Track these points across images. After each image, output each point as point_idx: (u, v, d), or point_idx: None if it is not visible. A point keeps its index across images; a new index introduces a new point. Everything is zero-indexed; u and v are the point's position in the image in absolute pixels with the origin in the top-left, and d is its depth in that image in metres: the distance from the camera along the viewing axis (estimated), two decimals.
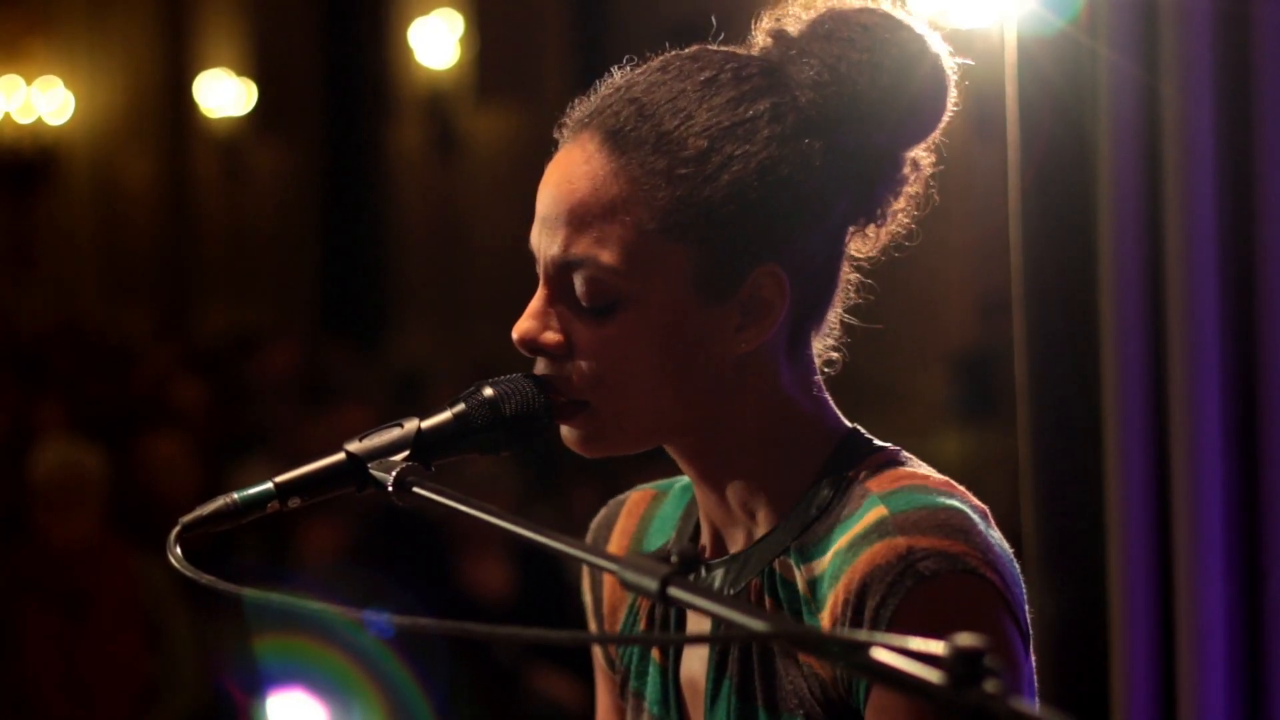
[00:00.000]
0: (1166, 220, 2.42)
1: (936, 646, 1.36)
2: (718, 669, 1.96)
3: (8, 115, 16.07)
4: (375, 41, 13.73)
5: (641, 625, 2.08)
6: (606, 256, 1.88)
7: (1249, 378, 2.42)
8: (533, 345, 1.93)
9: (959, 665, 1.34)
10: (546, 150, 1.97)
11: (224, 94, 15.19)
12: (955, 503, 1.87)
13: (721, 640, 1.99)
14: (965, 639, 1.35)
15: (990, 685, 1.33)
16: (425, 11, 12.96)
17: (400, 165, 13.76)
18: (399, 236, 13.87)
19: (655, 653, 2.05)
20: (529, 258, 1.95)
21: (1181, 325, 2.41)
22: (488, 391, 1.92)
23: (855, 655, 1.43)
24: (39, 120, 16.12)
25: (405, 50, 13.16)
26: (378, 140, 13.88)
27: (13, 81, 15.99)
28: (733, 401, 1.93)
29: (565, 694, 6.59)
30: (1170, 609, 2.44)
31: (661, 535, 2.12)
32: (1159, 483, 2.44)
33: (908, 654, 1.39)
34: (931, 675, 1.36)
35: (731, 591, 1.94)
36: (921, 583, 1.80)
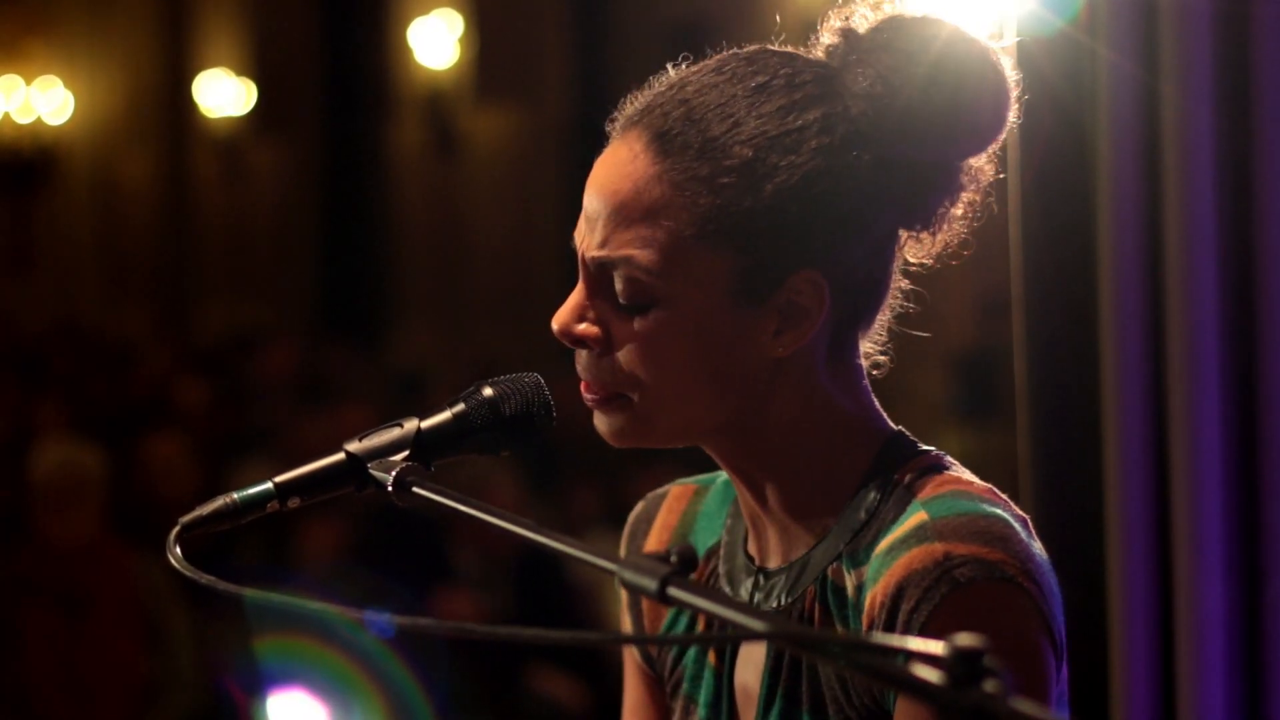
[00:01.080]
0: (1166, 220, 2.42)
1: (936, 647, 1.36)
2: (771, 675, 1.95)
3: (7, 115, 16.06)
4: (375, 41, 13.73)
5: (700, 628, 2.07)
6: (644, 258, 1.88)
7: (1249, 378, 2.42)
8: (570, 336, 1.93)
9: (958, 665, 1.34)
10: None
11: (223, 94, 15.19)
12: (997, 510, 1.86)
13: (719, 641, 1.99)
14: (965, 639, 1.35)
15: (990, 685, 1.33)
16: (425, 11, 12.96)
17: (400, 165, 13.76)
18: (398, 236, 13.87)
19: (711, 657, 2.04)
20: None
21: (1181, 325, 2.41)
22: (487, 391, 1.92)
23: (855, 656, 1.43)
24: (38, 120, 16.10)
25: (405, 50, 13.16)
26: (377, 140, 13.88)
27: (12, 81, 15.97)
28: (768, 403, 1.92)
29: (564, 694, 6.59)
30: (1170, 609, 2.43)
31: (710, 534, 2.10)
32: (1158, 483, 2.44)
33: (908, 654, 1.39)
34: (932, 676, 1.36)
35: (788, 599, 1.94)
36: (956, 589, 1.79)
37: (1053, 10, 2.43)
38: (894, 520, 1.88)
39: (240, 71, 15.17)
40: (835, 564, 1.91)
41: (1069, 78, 2.45)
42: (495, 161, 12.47)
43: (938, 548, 1.82)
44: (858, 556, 1.90)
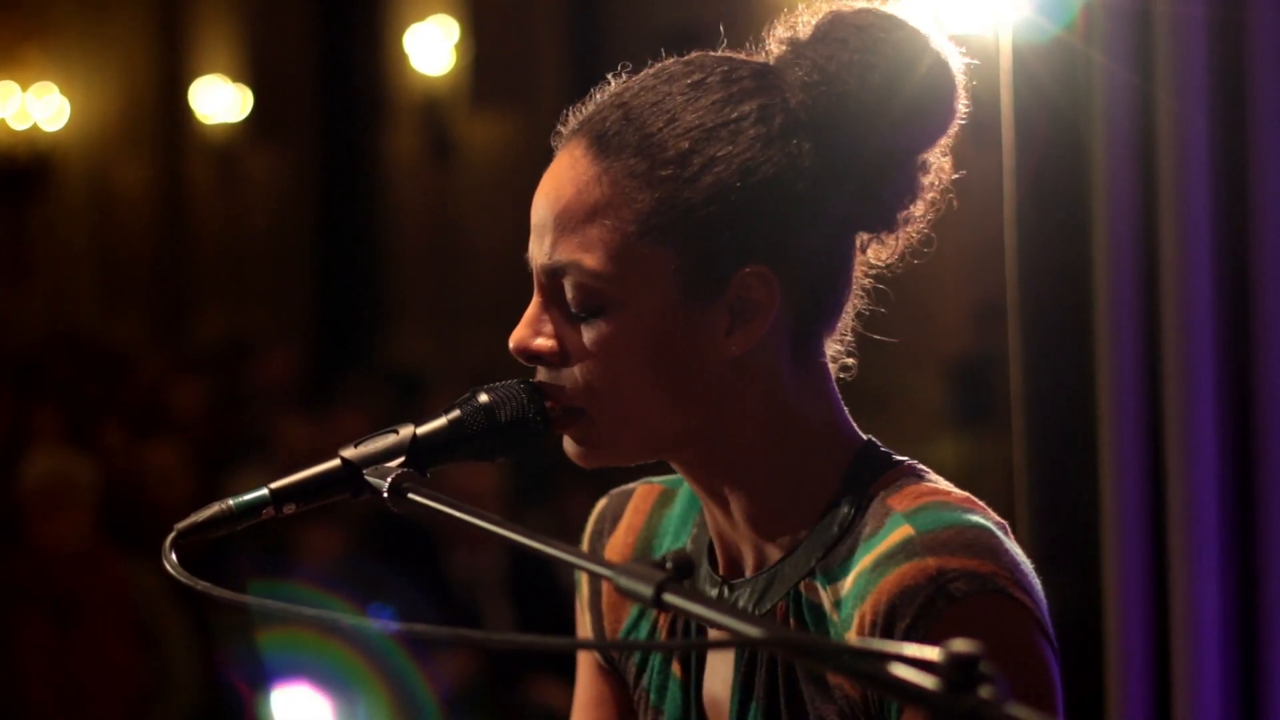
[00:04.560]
0: (1161, 226, 2.43)
1: (932, 653, 1.36)
2: (743, 691, 1.93)
3: (3, 122, 16.04)
4: (371, 48, 13.73)
5: (662, 636, 2.06)
6: (590, 261, 1.87)
7: (1243, 382, 2.42)
8: (526, 353, 1.92)
9: (955, 671, 1.34)
10: (542, 156, 1.97)
11: (219, 100, 15.19)
12: (981, 521, 1.85)
13: (716, 646, 1.98)
14: (960, 644, 1.35)
15: (985, 691, 1.34)
16: (420, 18, 12.97)
17: (396, 171, 13.76)
18: (395, 243, 13.87)
19: (676, 668, 2.03)
20: (524, 264, 1.95)
21: (1176, 330, 2.41)
22: (483, 398, 1.92)
23: (852, 662, 1.43)
24: (34, 127, 16.09)
25: (401, 57, 13.16)
26: (373, 146, 13.88)
27: (8, 88, 15.97)
28: (731, 410, 1.91)
29: (560, 701, 6.58)
30: (1165, 613, 2.44)
31: (675, 543, 2.09)
32: (1154, 488, 2.44)
33: (904, 660, 1.39)
34: (927, 682, 1.36)
35: (755, 612, 1.91)
36: (953, 605, 1.78)
37: (1048, 17, 2.43)
38: (873, 535, 1.86)
39: (236, 78, 15.17)
40: (808, 580, 1.89)
41: (1064, 84, 2.45)
42: (491, 168, 12.48)
43: (930, 563, 1.80)
44: (833, 572, 1.88)
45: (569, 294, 1.89)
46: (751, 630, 1.54)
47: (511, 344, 1.93)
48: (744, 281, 1.87)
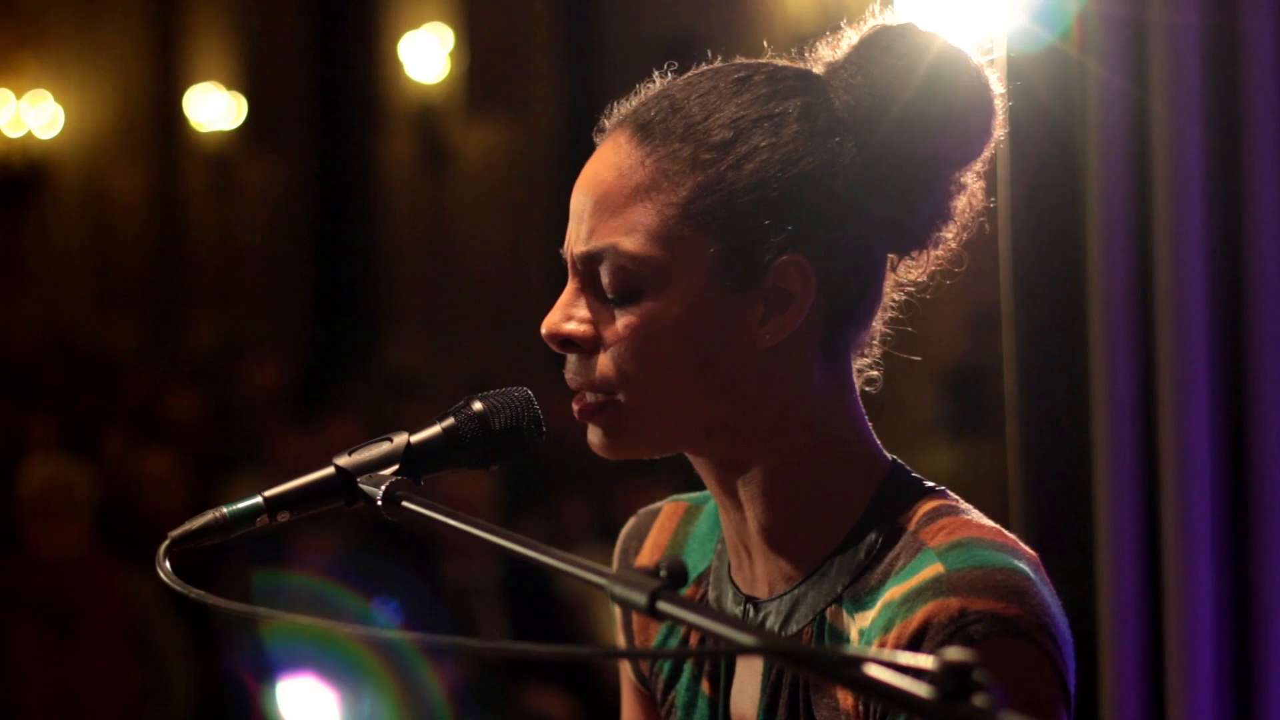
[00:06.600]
0: (1155, 234, 2.43)
1: (926, 661, 1.36)
2: (768, 709, 1.93)
3: None
4: (365, 55, 13.74)
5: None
6: (629, 243, 1.88)
7: (1238, 391, 2.42)
8: (559, 338, 1.92)
9: (948, 680, 1.34)
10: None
11: (214, 108, 15.19)
12: (1013, 561, 1.84)
13: (712, 655, 1.98)
14: (954, 653, 1.35)
15: (979, 699, 1.34)
16: (415, 25, 12.97)
17: (390, 179, 13.76)
18: (389, 250, 13.87)
19: (705, 686, 2.02)
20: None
21: (1170, 339, 2.41)
22: (477, 406, 1.92)
23: (845, 671, 1.43)
24: (29, 134, 16.09)
25: (395, 64, 13.16)
26: (368, 154, 13.89)
27: (3, 95, 15.97)
28: (759, 406, 1.90)
29: (556, 710, 6.59)
30: (1159, 619, 2.44)
31: (701, 558, 2.08)
32: (1148, 496, 2.44)
33: (898, 669, 1.39)
34: (921, 690, 1.36)
35: (782, 635, 1.91)
36: (970, 645, 1.77)
37: (1043, 26, 2.44)
38: (905, 568, 1.85)
39: (231, 85, 15.18)
40: (834, 606, 1.89)
41: (1059, 93, 2.45)
42: (485, 175, 12.48)
43: (954, 603, 1.79)
44: (860, 600, 1.87)
45: (605, 279, 1.90)
46: (744, 638, 1.54)
47: (544, 329, 1.93)
48: (781, 270, 1.88)
